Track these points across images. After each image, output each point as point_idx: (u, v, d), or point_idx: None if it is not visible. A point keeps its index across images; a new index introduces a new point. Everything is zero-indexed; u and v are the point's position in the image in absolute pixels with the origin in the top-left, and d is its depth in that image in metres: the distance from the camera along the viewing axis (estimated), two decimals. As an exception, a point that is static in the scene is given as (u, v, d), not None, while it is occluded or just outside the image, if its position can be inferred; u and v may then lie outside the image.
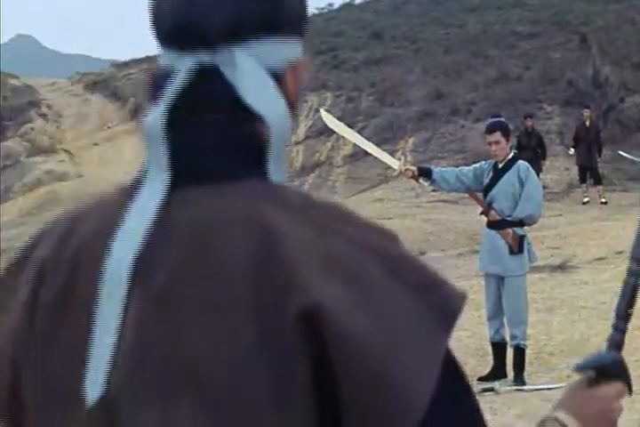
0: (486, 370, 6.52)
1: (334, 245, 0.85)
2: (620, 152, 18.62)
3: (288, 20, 0.96)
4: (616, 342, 1.26)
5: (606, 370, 1.20)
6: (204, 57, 0.92)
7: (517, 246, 6.24)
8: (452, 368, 0.93)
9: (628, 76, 22.99)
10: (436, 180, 6.38)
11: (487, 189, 6.38)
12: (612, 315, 1.33)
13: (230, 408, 0.83)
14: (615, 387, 1.19)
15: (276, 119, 0.91)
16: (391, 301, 0.84)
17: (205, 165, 0.91)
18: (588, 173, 17.39)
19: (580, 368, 1.21)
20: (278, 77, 0.94)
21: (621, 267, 10.49)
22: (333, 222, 0.88)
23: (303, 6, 0.99)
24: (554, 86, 23.72)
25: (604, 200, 17.10)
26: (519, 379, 6.22)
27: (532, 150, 17.46)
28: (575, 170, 18.12)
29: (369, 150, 6.52)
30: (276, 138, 0.91)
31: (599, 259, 10.99)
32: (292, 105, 0.95)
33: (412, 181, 6.76)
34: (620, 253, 11.40)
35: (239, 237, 0.85)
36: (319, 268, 0.83)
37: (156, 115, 0.91)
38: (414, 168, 6.36)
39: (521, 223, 6.28)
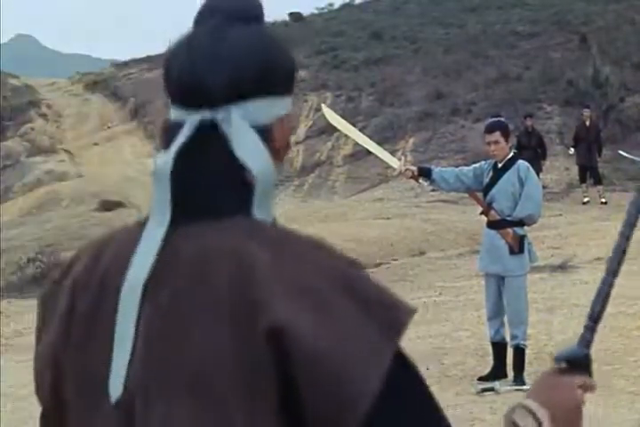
0: (486, 370, 6.52)
1: (301, 273, 1.04)
2: (620, 152, 18.61)
3: (281, 82, 1.15)
4: (587, 341, 1.38)
5: (576, 362, 1.32)
6: (206, 114, 1.12)
7: (518, 246, 6.24)
8: (403, 370, 1.05)
9: (628, 76, 22.99)
10: (435, 180, 6.37)
11: (487, 189, 6.37)
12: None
13: (215, 408, 1.02)
14: (581, 378, 1.30)
15: (261, 171, 1.09)
16: (346, 318, 1.02)
17: (202, 204, 1.10)
18: (588, 172, 17.39)
19: (555, 359, 1.33)
20: (268, 129, 1.13)
21: (621, 267, 10.50)
22: (303, 252, 1.07)
23: (294, 67, 1.16)
24: (554, 86, 23.73)
25: (603, 200, 17.10)
26: (519, 379, 6.22)
27: (532, 150, 17.46)
28: (575, 170, 18.12)
29: (370, 148, 6.52)
30: (261, 185, 1.10)
31: (599, 259, 10.98)
32: (281, 150, 1.15)
33: (412, 181, 6.75)
34: (620, 253, 11.40)
35: (225, 268, 1.04)
36: (286, 293, 1.02)
37: (165, 160, 1.11)
38: (414, 168, 6.35)
39: (521, 223, 6.28)
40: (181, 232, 1.09)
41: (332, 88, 27.90)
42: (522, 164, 6.34)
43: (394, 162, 6.50)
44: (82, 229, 19.25)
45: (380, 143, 21.95)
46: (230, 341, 1.01)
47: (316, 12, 42.02)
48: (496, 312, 6.41)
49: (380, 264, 13.38)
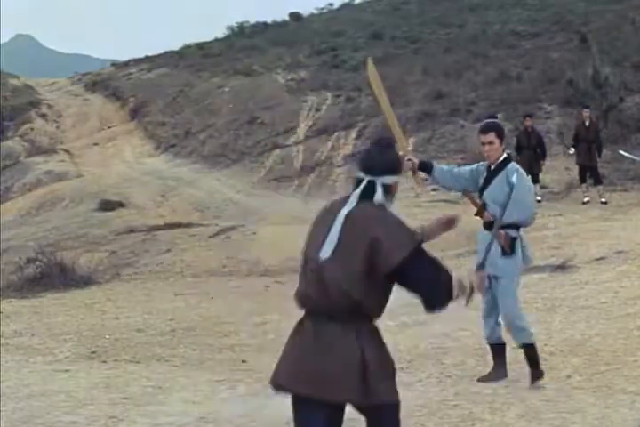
0: (486, 370, 6.53)
1: (386, 217, 3.46)
2: (621, 152, 18.62)
3: (398, 169, 3.58)
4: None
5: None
6: (372, 178, 3.49)
7: (509, 248, 6.24)
8: (420, 251, 3.37)
9: (628, 76, 23.00)
10: (434, 176, 6.38)
11: (481, 191, 6.39)
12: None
13: (352, 261, 3.39)
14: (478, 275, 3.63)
15: (383, 199, 3.53)
16: (397, 232, 3.40)
17: (366, 198, 3.50)
18: (588, 172, 17.40)
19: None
20: (389, 187, 3.51)
21: (622, 267, 10.49)
22: (389, 213, 3.49)
23: (401, 161, 3.65)
24: (554, 86, 23.73)
25: (604, 200, 17.10)
26: (537, 374, 6.24)
27: (532, 150, 17.48)
28: (575, 170, 18.12)
29: (388, 121, 6.51)
30: (390, 196, 3.55)
31: (599, 259, 10.99)
32: (394, 195, 3.54)
33: (411, 181, 6.71)
34: (620, 252, 11.40)
35: (366, 219, 3.42)
36: (378, 223, 3.40)
37: (352, 200, 3.48)
38: (417, 160, 6.34)
39: (515, 225, 6.27)
40: (358, 207, 3.44)
41: (332, 88, 27.89)
42: (511, 166, 6.28)
43: (403, 144, 6.47)
44: (82, 229, 19.24)
45: (380, 143, 21.16)
46: (363, 238, 3.34)
47: (315, 12, 42.01)
48: (489, 312, 6.44)
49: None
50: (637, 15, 27.12)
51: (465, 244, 13.71)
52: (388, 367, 3.44)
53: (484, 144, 6.34)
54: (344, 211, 3.42)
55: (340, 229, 3.39)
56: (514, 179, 5.93)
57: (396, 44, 32.25)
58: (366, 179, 3.47)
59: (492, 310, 6.40)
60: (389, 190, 3.49)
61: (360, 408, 3.42)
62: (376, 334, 3.45)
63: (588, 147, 17.28)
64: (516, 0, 35.00)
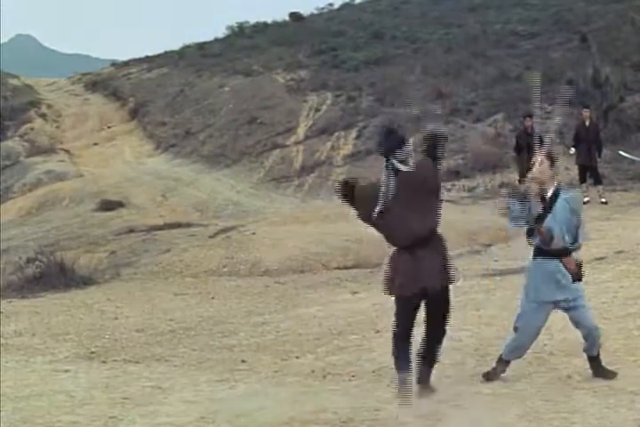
0: (486, 370, 6.52)
1: None
2: (621, 152, 18.62)
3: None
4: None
5: None
6: None
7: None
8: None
9: (628, 76, 22.98)
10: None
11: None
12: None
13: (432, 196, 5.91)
14: None
15: None
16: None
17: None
18: (588, 172, 17.39)
19: None
20: None
21: (621, 267, 10.48)
22: None
23: None
24: (554, 86, 23.68)
25: (604, 200, 17.09)
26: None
27: (532, 150, 17.45)
28: (575, 170, 18.11)
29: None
30: None
31: (599, 259, 10.98)
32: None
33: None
34: (620, 252, 11.39)
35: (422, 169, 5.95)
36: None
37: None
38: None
39: None
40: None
41: (332, 88, 27.87)
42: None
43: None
44: (82, 229, 19.25)
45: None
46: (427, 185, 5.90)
47: (315, 12, 41.97)
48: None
49: (380, 264, 13.38)
50: (637, 15, 27.10)
51: (465, 244, 13.72)
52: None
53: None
54: None
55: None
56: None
57: (396, 44, 32.24)
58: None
59: None
60: None
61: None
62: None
63: (588, 147, 17.27)
64: (516, 0, 34.99)
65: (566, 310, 6.30)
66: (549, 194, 6.31)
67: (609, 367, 6.34)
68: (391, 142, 5.99)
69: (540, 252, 6.32)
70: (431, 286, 5.82)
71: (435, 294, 5.88)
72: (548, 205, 6.29)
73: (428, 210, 5.88)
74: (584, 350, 6.40)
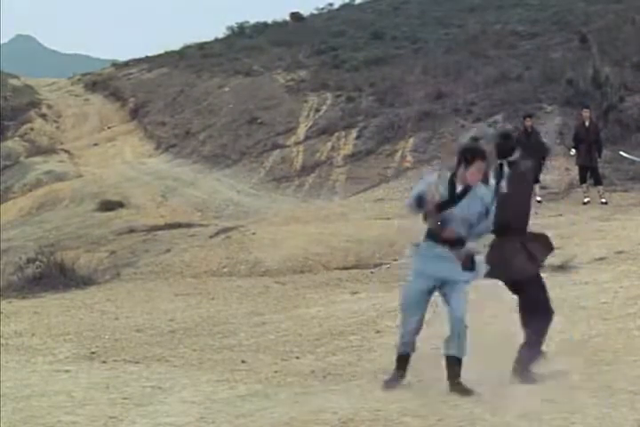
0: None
1: None
2: (621, 152, 18.62)
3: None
4: None
5: None
6: None
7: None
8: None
9: (628, 76, 22.98)
10: None
11: None
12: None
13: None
14: None
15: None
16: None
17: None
18: (589, 173, 17.39)
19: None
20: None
21: (622, 267, 10.49)
22: None
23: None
24: (554, 86, 23.71)
25: (604, 200, 17.10)
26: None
27: (532, 150, 17.45)
28: (575, 170, 18.12)
29: None
30: None
31: (599, 259, 10.99)
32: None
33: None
34: (621, 252, 11.39)
35: None
36: None
37: None
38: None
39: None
40: None
41: (332, 88, 27.87)
42: None
43: None
44: (82, 230, 19.25)
45: (380, 143, 22.04)
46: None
47: (315, 12, 41.98)
48: None
49: (380, 264, 13.39)
50: (637, 15, 27.10)
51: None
52: None
53: None
54: None
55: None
56: None
57: (396, 44, 32.25)
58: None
59: None
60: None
61: None
62: None
63: (588, 147, 17.28)
64: (516, 0, 35.00)
65: (444, 295, 6.33)
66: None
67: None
68: (506, 146, 6.29)
69: (431, 236, 6.34)
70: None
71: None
72: (460, 194, 6.24)
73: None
74: (444, 349, 6.33)
